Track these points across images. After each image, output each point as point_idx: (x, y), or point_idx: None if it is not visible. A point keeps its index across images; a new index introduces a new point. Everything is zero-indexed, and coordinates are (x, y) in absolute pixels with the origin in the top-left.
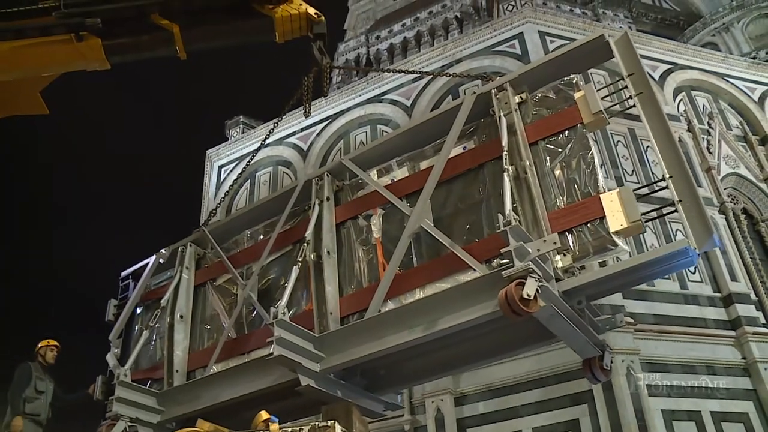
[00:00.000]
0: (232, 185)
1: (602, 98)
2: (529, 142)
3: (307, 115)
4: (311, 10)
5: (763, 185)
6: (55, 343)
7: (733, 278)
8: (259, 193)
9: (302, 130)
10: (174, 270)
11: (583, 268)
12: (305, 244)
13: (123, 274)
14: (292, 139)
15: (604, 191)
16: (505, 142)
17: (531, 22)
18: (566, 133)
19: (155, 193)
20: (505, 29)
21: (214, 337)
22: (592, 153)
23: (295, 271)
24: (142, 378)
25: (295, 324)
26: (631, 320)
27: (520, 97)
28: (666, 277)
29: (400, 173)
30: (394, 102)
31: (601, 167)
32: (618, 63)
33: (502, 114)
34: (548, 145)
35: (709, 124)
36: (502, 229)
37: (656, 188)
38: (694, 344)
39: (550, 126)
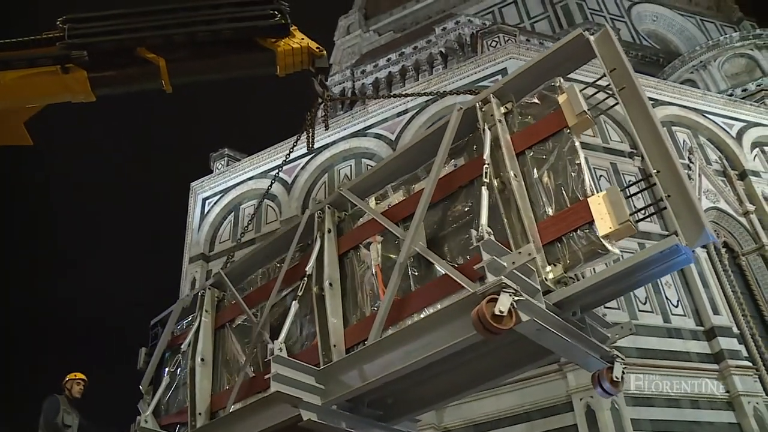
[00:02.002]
0: (252, 217)
1: (588, 98)
2: (516, 152)
3: (310, 148)
4: (313, 45)
5: (742, 219)
6: (82, 376)
7: (716, 312)
8: (243, 226)
9: (286, 163)
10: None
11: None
12: (305, 279)
13: (152, 322)
14: None
15: (592, 194)
16: (486, 154)
17: (514, 58)
18: (552, 138)
19: (140, 223)
20: (489, 65)
21: (234, 377)
22: (578, 156)
23: (294, 306)
24: (172, 422)
25: (293, 359)
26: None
27: (506, 107)
28: (649, 310)
29: (396, 198)
30: (378, 136)
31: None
32: (599, 60)
33: (486, 126)
34: (535, 154)
35: (690, 159)
36: (475, 244)
37: (645, 185)
38: (678, 378)
39: (536, 133)
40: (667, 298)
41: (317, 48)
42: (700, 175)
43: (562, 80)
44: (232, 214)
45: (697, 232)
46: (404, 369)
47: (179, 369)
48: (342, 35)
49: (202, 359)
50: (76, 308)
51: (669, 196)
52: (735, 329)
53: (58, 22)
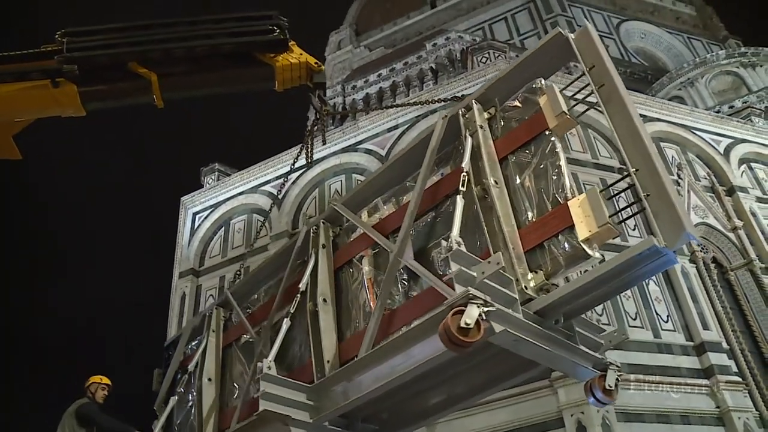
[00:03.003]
0: (260, 228)
1: (570, 96)
2: (499, 157)
3: (309, 163)
4: (311, 60)
5: (731, 235)
6: (107, 381)
7: (705, 327)
8: (233, 242)
9: (277, 178)
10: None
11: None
12: (298, 295)
13: (166, 343)
14: (267, 188)
15: (573, 197)
16: (465, 162)
17: None
18: (534, 141)
19: (139, 225)
20: (479, 80)
21: (240, 396)
22: (560, 158)
23: (285, 324)
24: None
25: (282, 377)
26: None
27: (489, 112)
28: (639, 326)
29: (387, 210)
30: (369, 151)
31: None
32: (578, 57)
33: (467, 133)
34: (518, 159)
35: (679, 175)
36: (443, 255)
37: (625, 185)
38: (668, 393)
39: (518, 138)
40: (657, 314)
41: (315, 63)
42: (688, 191)
43: (543, 81)
44: (222, 229)
45: (677, 233)
46: (390, 384)
47: (189, 389)
48: (333, 50)
49: (209, 379)
50: (75, 309)
51: (648, 195)
52: (725, 344)
53: (57, 36)
